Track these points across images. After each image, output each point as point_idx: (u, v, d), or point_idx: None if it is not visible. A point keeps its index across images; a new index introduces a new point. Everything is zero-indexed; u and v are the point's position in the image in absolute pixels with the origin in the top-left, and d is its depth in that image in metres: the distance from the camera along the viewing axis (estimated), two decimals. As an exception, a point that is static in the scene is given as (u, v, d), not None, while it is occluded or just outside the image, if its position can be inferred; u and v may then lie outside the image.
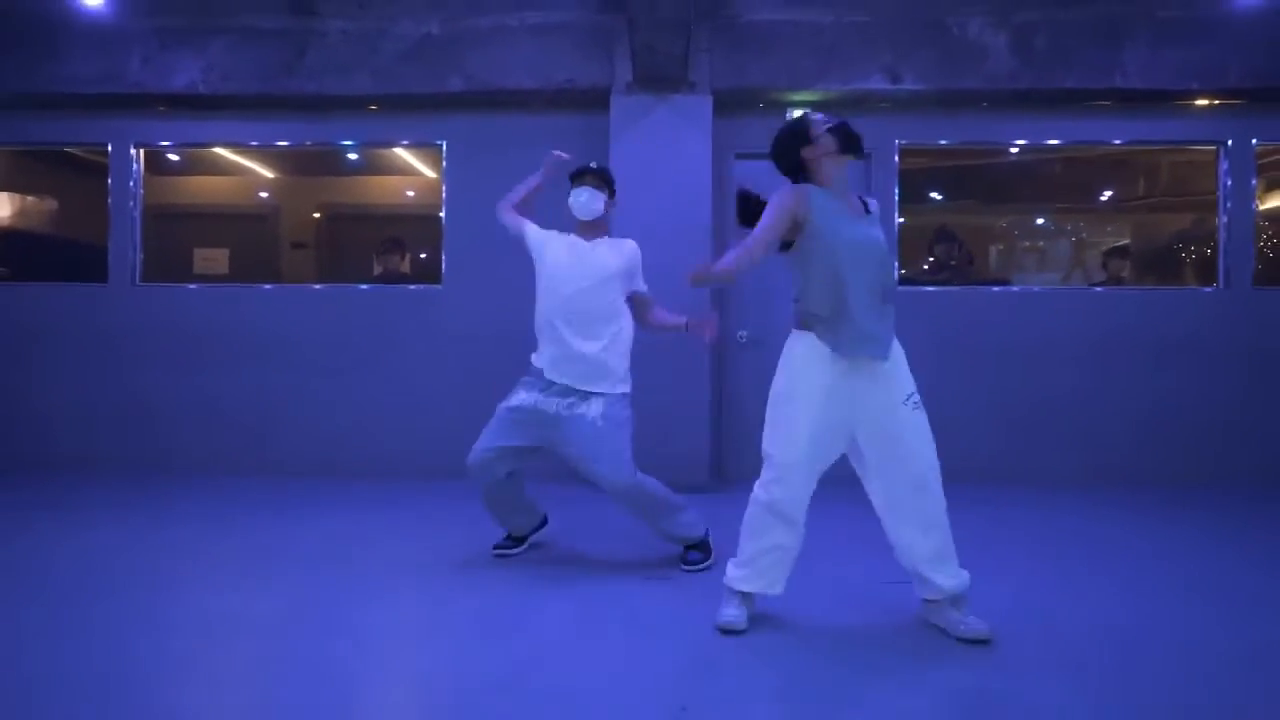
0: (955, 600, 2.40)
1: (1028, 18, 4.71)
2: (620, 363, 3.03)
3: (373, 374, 5.02)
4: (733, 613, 2.42)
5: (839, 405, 2.35)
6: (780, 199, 2.37)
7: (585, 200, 3.07)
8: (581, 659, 2.23)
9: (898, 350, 2.48)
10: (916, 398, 2.42)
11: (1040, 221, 7.27)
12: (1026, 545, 3.51)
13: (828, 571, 3.04)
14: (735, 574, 2.48)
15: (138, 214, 5.15)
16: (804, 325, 2.45)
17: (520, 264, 4.99)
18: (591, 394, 2.95)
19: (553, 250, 3.11)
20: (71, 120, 5.11)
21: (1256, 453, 4.80)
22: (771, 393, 2.45)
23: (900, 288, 4.99)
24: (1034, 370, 4.89)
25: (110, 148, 5.10)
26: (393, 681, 2.15)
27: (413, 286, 5.16)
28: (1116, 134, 5.03)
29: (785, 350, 2.48)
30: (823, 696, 2.01)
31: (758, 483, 2.42)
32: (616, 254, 3.08)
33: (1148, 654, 2.29)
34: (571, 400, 2.96)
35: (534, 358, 3.09)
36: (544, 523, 3.37)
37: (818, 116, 2.45)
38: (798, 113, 4.91)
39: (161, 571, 3.00)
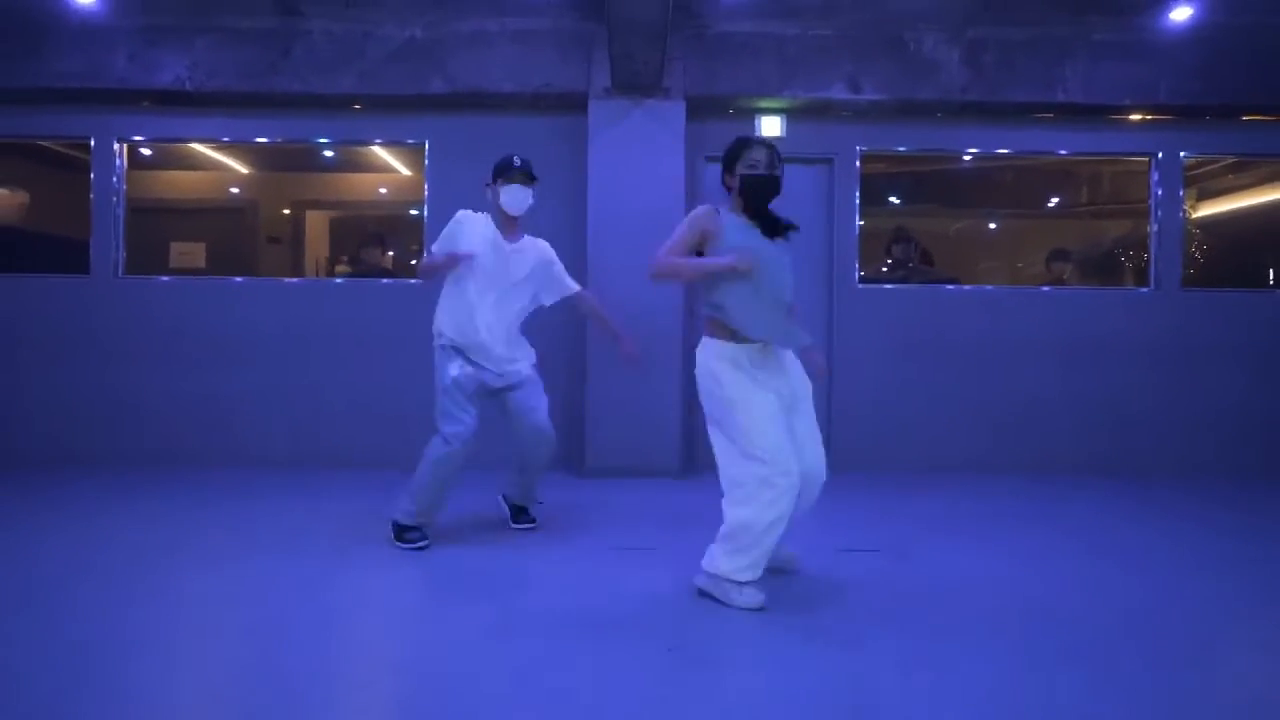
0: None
1: (978, 34, 5.05)
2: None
3: (350, 367, 5.16)
4: (756, 593, 2.57)
5: (767, 383, 2.65)
6: (691, 215, 2.73)
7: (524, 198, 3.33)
8: (569, 617, 2.46)
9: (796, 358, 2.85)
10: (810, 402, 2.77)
11: (991, 225, 7.69)
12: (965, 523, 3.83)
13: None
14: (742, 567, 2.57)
15: (121, 209, 5.23)
16: (712, 329, 2.72)
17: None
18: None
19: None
20: (55, 114, 5.17)
21: (1187, 442, 5.21)
22: (710, 409, 2.68)
23: (860, 286, 5.30)
24: (985, 364, 5.23)
25: (93, 142, 5.17)
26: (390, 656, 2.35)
27: (391, 282, 5.32)
28: (1059, 144, 5.40)
29: (700, 364, 2.72)
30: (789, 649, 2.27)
31: (761, 500, 2.52)
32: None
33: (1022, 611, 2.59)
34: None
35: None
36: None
37: (753, 155, 2.69)
38: (767, 131, 5.19)
39: (140, 566, 3.13)
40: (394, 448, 5.07)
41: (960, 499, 4.32)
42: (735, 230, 2.69)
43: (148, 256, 6.08)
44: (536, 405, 3.36)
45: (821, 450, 2.76)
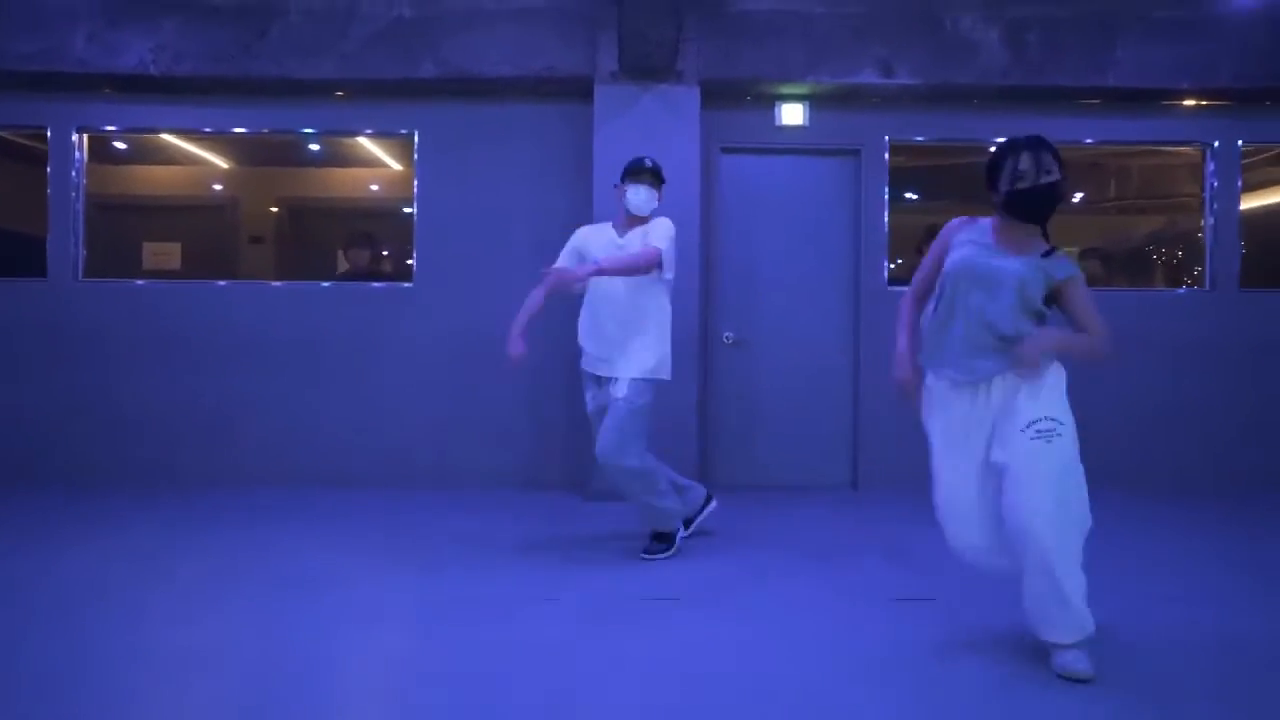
0: None
1: (1021, 13, 4.62)
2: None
3: (338, 377, 4.72)
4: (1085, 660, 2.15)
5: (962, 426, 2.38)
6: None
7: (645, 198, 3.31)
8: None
9: None
10: None
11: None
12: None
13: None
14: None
15: (80, 205, 4.77)
16: None
17: (496, 262, 4.82)
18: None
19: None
20: (6, 101, 4.71)
21: (1247, 454, 4.78)
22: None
23: (889, 288, 4.87)
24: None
25: (49, 132, 4.72)
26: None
27: (382, 285, 4.88)
28: (1105, 133, 4.97)
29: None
30: None
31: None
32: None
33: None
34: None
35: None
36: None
37: (1020, 165, 2.18)
38: (788, 120, 4.74)
39: (86, 599, 2.71)
40: (389, 466, 4.65)
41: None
42: (966, 245, 2.31)
43: (119, 258, 5.64)
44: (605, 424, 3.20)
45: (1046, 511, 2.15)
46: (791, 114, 4.80)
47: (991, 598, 2.68)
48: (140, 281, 4.87)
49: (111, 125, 4.88)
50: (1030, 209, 2.21)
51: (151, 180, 6.41)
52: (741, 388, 4.84)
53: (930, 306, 2.39)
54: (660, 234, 3.18)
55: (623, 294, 3.19)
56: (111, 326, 4.68)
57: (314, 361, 4.71)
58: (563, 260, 3.34)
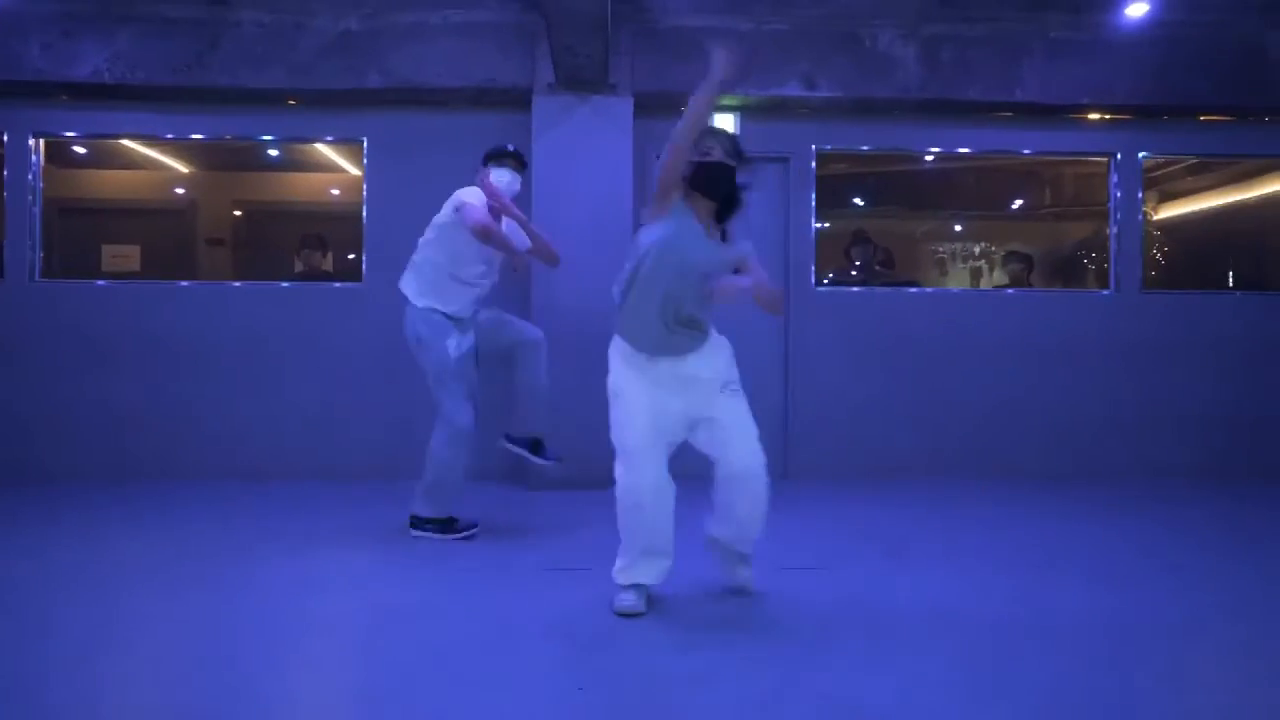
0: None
1: (934, 31, 4.93)
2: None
3: (292, 374, 4.91)
4: (630, 599, 2.54)
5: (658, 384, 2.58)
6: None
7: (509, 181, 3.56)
8: (484, 649, 2.26)
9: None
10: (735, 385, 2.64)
11: (954, 227, 7.61)
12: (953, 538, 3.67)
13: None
14: (618, 566, 2.62)
15: (37, 208, 4.92)
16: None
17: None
18: None
19: None
20: (-37, 107, 4.86)
21: (1148, 445, 5.11)
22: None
23: (819, 288, 5.15)
24: (946, 368, 5.09)
25: (5, 137, 4.87)
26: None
27: (334, 284, 5.08)
28: (1019, 144, 5.29)
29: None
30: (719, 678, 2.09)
31: (623, 503, 2.61)
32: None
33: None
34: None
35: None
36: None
37: (706, 142, 2.48)
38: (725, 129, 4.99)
39: (38, 595, 2.90)
40: (351, 457, 4.84)
41: (913, 508, 4.17)
42: (660, 227, 2.49)
43: (78, 260, 5.78)
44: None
45: (754, 446, 2.59)
46: (723, 124, 5.07)
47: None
48: (101, 283, 5.02)
49: (69, 131, 5.04)
50: (709, 183, 2.46)
51: (111, 184, 6.56)
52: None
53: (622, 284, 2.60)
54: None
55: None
56: (68, 327, 4.83)
57: (269, 358, 4.89)
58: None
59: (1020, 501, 4.37)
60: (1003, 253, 6.19)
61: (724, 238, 2.59)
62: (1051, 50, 4.94)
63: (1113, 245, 5.27)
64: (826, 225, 5.61)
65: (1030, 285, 5.69)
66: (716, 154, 2.47)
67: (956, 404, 5.08)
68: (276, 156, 6.33)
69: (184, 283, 5.10)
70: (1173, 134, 5.23)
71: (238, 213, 6.96)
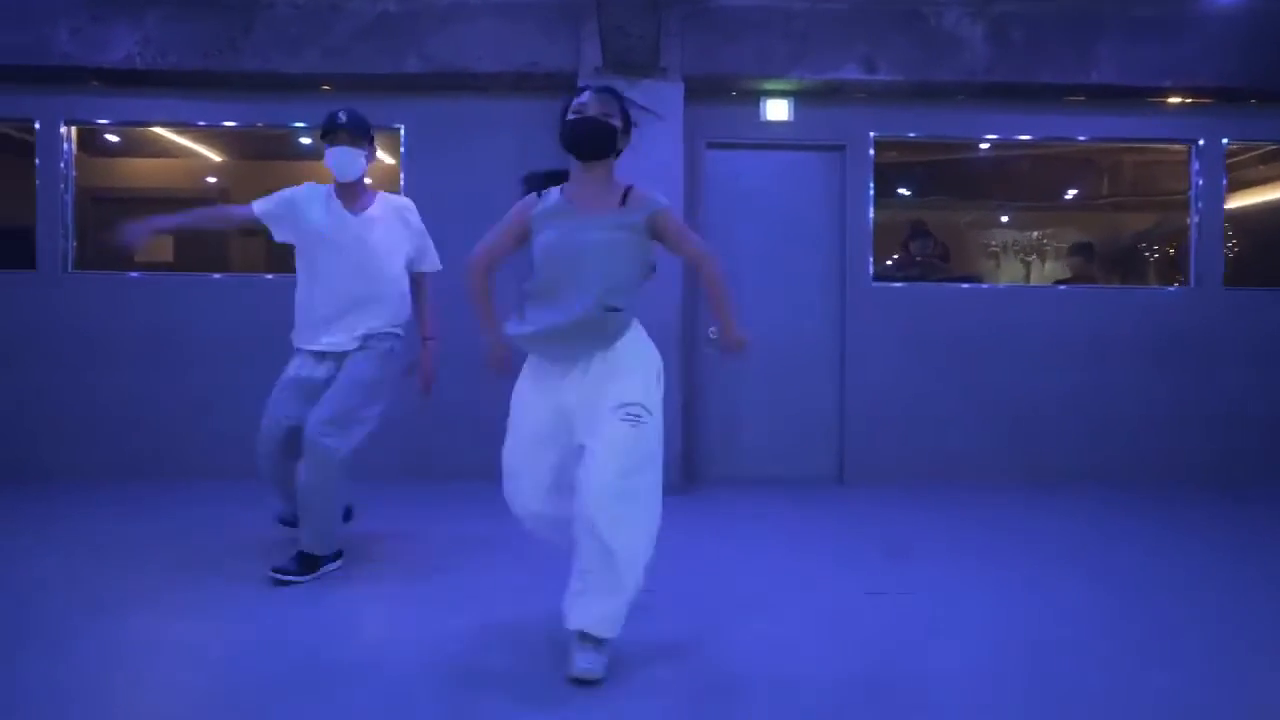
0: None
1: (1005, 9, 4.62)
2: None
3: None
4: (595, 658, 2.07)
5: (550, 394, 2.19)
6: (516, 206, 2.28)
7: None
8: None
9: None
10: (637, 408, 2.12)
11: (1007, 218, 7.26)
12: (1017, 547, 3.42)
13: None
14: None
15: (70, 197, 4.80)
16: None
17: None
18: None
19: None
20: (-5, 94, 4.74)
21: (1229, 449, 4.80)
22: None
23: (874, 284, 4.88)
24: (1007, 367, 4.82)
25: (38, 125, 4.74)
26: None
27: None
28: (1090, 130, 4.98)
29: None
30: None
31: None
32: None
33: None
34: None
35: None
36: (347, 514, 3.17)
37: (579, 100, 2.19)
38: (773, 116, 4.66)
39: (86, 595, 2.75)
40: (389, 456, 4.66)
41: (976, 510, 3.92)
42: (546, 218, 2.20)
43: (110, 250, 5.66)
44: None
45: (603, 479, 2.04)
46: (776, 110, 4.81)
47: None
48: (134, 274, 4.89)
49: (101, 118, 4.91)
50: (576, 139, 2.15)
51: (143, 172, 6.44)
52: (726, 383, 4.87)
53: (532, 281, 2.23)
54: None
55: None
56: (101, 320, 4.71)
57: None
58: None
59: (1106, 511, 4.09)
60: (1058, 245, 5.88)
61: (623, 200, 2.20)
62: (1132, 29, 4.60)
63: (1192, 237, 4.94)
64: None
65: (1094, 279, 5.38)
66: (591, 110, 2.16)
67: (1021, 405, 4.80)
68: (309, 145, 6.16)
69: (215, 275, 4.96)
70: (1259, 119, 4.88)
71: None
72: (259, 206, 3.00)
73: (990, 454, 4.79)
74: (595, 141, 2.15)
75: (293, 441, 2.87)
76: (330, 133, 2.90)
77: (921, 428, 4.81)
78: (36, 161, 4.74)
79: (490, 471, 2.40)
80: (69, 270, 4.78)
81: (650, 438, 2.11)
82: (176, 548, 3.26)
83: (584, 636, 2.06)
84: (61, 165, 4.76)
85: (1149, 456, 4.79)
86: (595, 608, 2.04)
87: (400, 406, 3.14)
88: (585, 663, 2.03)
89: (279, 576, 2.75)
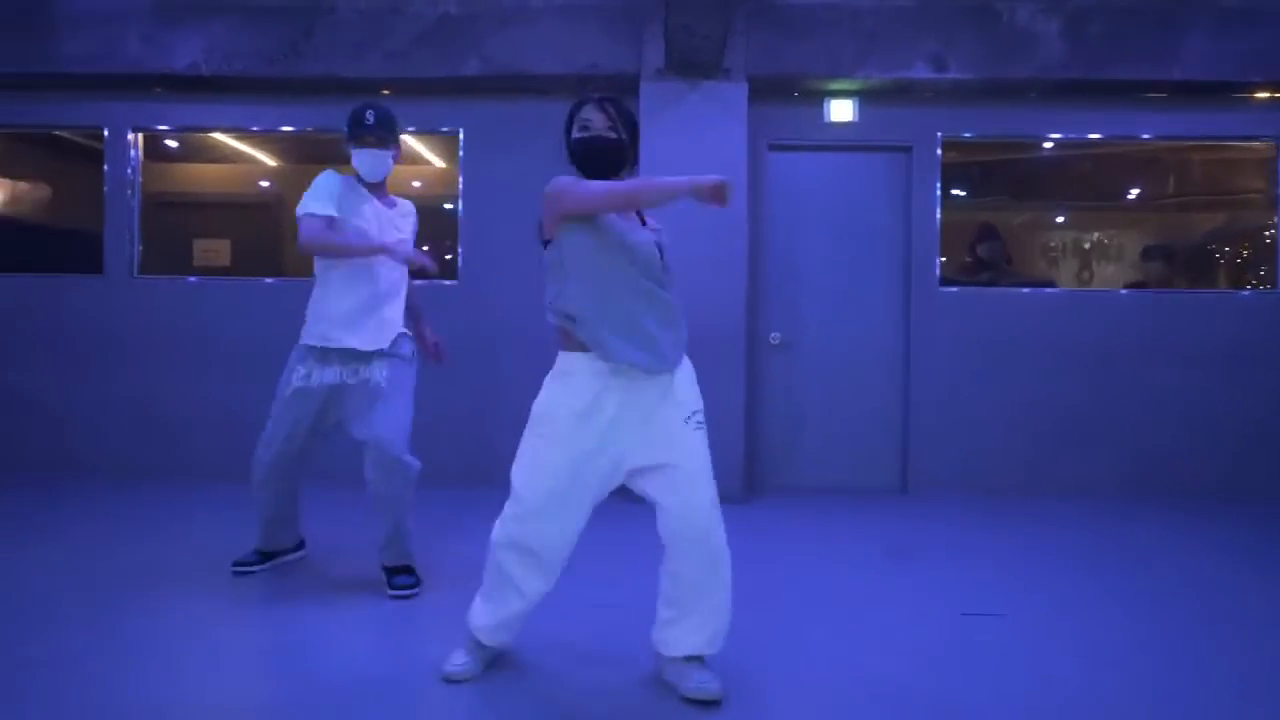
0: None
1: (1082, 3, 4.45)
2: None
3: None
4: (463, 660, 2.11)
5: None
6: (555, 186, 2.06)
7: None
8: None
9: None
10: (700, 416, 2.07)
11: (1069, 219, 7.03)
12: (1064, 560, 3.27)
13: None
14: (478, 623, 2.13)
15: (136, 202, 4.86)
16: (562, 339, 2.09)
17: (539, 258, 4.75)
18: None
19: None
20: (65, 102, 4.81)
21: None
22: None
23: (941, 289, 4.74)
24: (1083, 376, 4.65)
25: (106, 131, 4.80)
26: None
27: (425, 283, 4.88)
28: (1168, 127, 4.79)
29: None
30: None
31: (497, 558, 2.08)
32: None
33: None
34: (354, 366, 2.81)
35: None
36: (300, 545, 3.14)
37: (583, 115, 2.12)
38: (836, 117, 4.53)
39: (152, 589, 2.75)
40: (447, 459, 4.65)
41: (1061, 530, 3.76)
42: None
43: (170, 254, 5.73)
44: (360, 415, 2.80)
45: (703, 519, 1.99)
46: (840, 110, 4.70)
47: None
48: (192, 279, 4.94)
49: (164, 124, 4.96)
50: (588, 160, 2.09)
51: (200, 177, 6.52)
52: (789, 389, 4.76)
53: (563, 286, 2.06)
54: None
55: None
56: (166, 321, 4.76)
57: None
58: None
59: (1188, 526, 3.91)
60: (1122, 246, 5.65)
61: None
62: (1221, 21, 4.41)
63: (1279, 238, 4.71)
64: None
65: (1170, 283, 5.17)
66: (596, 126, 2.09)
67: (1093, 414, 4.63)
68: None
69: (268, 279, 4.98)
70: (1352, 115, 4.64)
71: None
72: (322, 209, 2.79)
73: (1059, 465, 4.62)
74: (605, 162, 2.10)
75: (302, 460, 2.89)
76: (358, 135, 2.81)
77: (988, 437, 4.66)
78: (105, 168, 4.80)
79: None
80: (135, 275, 4.84)
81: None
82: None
83: (689, 659, 2.00)
84: (129, 171, 4.82)
85: (1229, 468, 4.58)
86: (709, 626, 2.01)
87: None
88: (704, 681, 1.98)
89: (399, 595, 2.74)
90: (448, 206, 4.92)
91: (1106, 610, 2.75)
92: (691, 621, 2.00)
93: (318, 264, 2.89)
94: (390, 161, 2.88)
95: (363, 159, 2.83)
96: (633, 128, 2.17)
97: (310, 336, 2.86)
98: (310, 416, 2.83)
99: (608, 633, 2.43)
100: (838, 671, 2.22)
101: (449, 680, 2.09)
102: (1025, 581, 3.05)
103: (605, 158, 2.10)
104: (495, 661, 2.19)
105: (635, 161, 2.21)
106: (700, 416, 2.07)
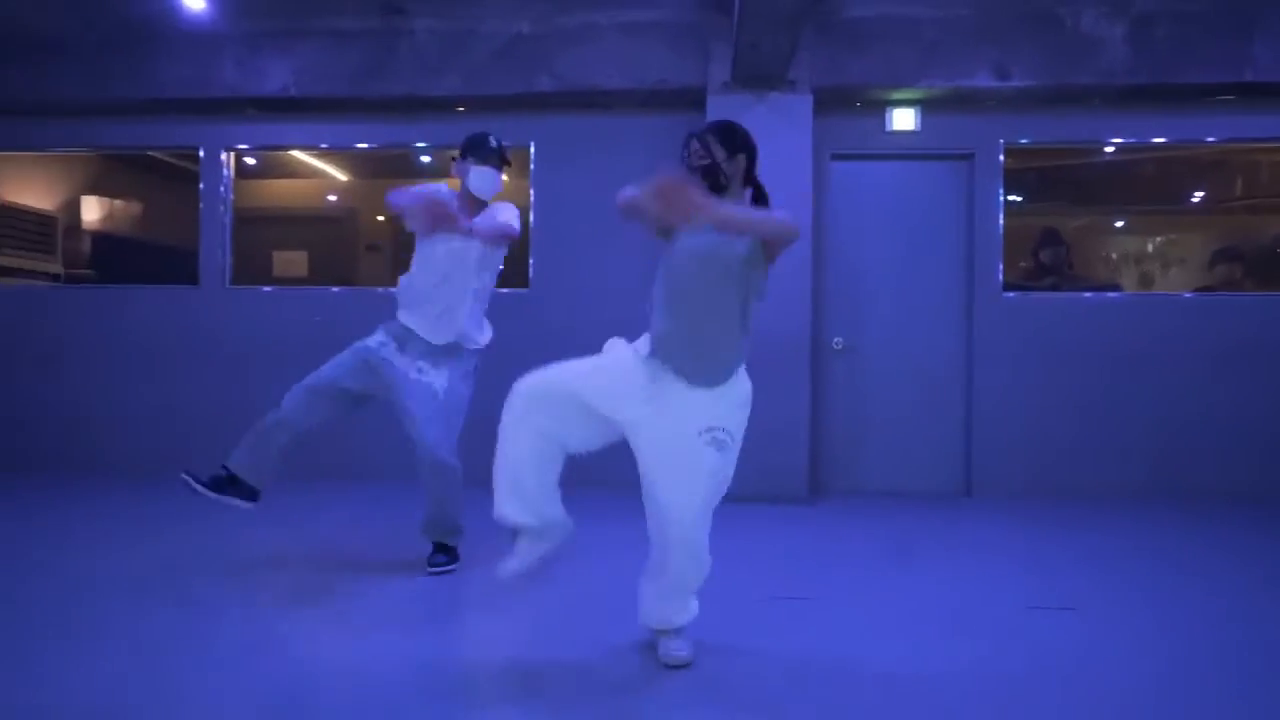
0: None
1: (1147, 7, 4.46)
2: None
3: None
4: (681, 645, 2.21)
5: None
6: None
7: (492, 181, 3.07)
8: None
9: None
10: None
11: (1131, 223, 6.95)
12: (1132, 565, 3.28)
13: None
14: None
15: (228, 218, 5.17)
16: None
17: (612, 265, 4.93)
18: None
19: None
20: (163, 124, 5.14)
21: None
22: None
23: (1005, 294, 4.77)
24: (1150, 381, 4.63)
25: (202, 152, 5.12)
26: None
27: (501, 290, 5.08)
28: (1237, 130, 4.77)
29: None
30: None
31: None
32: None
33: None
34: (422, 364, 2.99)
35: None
36: (254, 497, 3.14)
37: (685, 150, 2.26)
38: (899, 126, 4.60)
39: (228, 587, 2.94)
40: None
41: (1122, 531, 3.77)
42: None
43: (253, 266, 6.06)
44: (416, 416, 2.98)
45: (682, 504, 2.09)
46: (903, 119, 4.77)
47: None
48: (268, 289, 5.22)
49: (254, 144, 5.26)
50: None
51: (280, 193, 6.85)
52: (852, 394, 4.84)
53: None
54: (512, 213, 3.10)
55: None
56: (259, 328, 5.04)
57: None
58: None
59: (1256, 533, 3.88)
60: (1186, 250, 5.60)
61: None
62: (1292, 23, 4.38)
63: (1355, 242, 4.64)
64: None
65: (1242, 287, 5.11)
66: (696, 159, 2.26)
67: (1158, 419, 4.61)
68: (432, 163, 6.43)
69: (335, 288, 5.22)
70: None
71: (391, 219, 7.14)
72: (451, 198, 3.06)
73: (1124, 470, 4.61)
74: (706, 185, 2.21)
75: (335, 410, 3.05)
76: (483, 155, 3.04)
77: (1051, 441, 4.67)
78: (200, 186, 5.11)
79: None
80: (227, 285, 5.13)
81: None
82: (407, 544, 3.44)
83: (661, 630, 2.23)
84: (221, 189, 5.12)
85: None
86: (691, 605, 2.24)
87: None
88: (677, 648, 2.19)
89: (434, 571, 2.97)
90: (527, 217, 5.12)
91: (1183, 606, 2.78)
92: (661, 597, 2.20)
93: (414, 259, 3.12)
94: (500, 183, 3.11)
95: (484, 177, 3.06)
96: (733, 144, 2.31)
97: (402, 318, 3.09)
98: (358, 382, 3.01)
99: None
100: (916, 659, 2.31)
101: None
102: (1123, 578, 3.08)
103: (702, 181, 2.24)
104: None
105: (746, 178, 2.36)
106: (723, 435, 2.12)
